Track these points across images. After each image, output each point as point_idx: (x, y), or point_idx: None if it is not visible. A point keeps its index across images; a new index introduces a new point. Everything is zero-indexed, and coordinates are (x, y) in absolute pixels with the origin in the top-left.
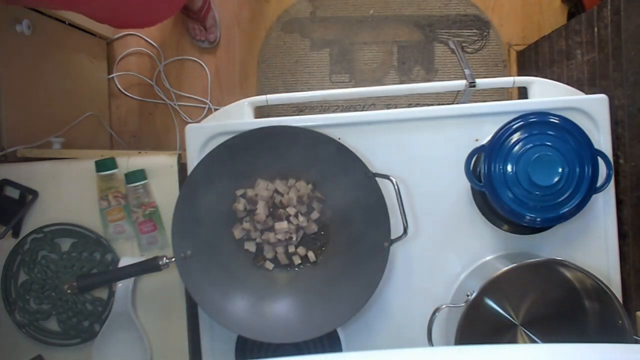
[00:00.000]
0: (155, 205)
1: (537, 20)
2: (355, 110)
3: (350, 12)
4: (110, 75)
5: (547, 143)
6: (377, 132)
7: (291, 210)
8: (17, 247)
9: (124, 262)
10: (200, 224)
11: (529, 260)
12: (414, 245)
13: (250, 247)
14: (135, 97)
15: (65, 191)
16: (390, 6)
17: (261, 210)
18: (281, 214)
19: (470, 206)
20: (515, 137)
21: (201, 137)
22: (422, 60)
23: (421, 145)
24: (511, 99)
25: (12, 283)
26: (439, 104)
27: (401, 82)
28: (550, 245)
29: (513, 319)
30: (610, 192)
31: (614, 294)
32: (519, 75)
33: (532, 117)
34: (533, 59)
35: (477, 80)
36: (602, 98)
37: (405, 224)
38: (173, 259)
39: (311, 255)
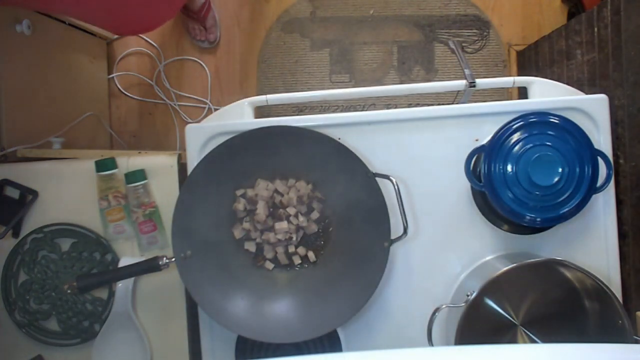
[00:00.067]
0: (155, 205)
1: (537, 20)
2: (355, 110)
3: (350, 12)
4: (110, 75)
5: (547, 143)
6: (377, 132)
7: (291, 210)
8: (17, 247)
9: (124, 262)
10: (201, 224)
11: (529, 260)
12: (414, 245)
13: (250, 247)
14: (135, 97)
15: (65, 191)
16: (390, 6)
17: (261, 210)
18: (281, 214)
19: (470, 206)
20: (515, 137)
21: (201, 137)
22: (422, 60)
23: (421, 145)
24: (511, 99)
25: (12, 283)
26: (439, 104)
27: (401, 82)
28: (550, 245)
29: (513, 319)
30: (610, 192)
31: (614, 294)
32: (519, 75)
33: (532, 117)
34: (533, 59)
35: (477, 80)
36: (602, 98)
37: (405, 224)
38: (173, 259)
39: (311, 255)
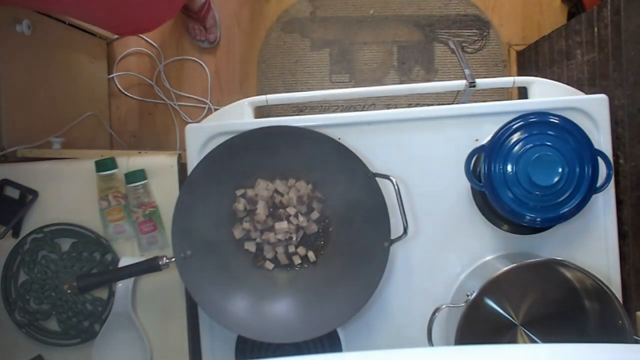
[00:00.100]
0: (155, 205)
1: (537, 20)
2: (355, 110)
3: (350, 12)
4: (110, 75)
5: (547, 143)
6: (377, 132)
7: (291, 210)
8: (17, 247)
9: (124, 262)
10: (200, 224)
11: (529, 260)
12: (414, 245)
13: (250, 247)
14: (135, 97)
15: (65, 191)
16: (390, 6)
17: (261, 210)
18: (281, 214)
19: (470, 206)
20: (515, 137)
21: (201, 137)
22: (422, 60)
23: (421, 145)
24: (511, 99)
25: (12, 283)
26: (439, 104)
27: (401, 82)
28: (550, 245)
29: (513, 319)
30: (610, 192)
31: (614, 294)
32: (519, 75)
33: (532, 117)
34: (533, 59)
35: (477, 80)
36: (602, 98)
37: (405, 224)
38: (173, 259)
39: (311, 255)
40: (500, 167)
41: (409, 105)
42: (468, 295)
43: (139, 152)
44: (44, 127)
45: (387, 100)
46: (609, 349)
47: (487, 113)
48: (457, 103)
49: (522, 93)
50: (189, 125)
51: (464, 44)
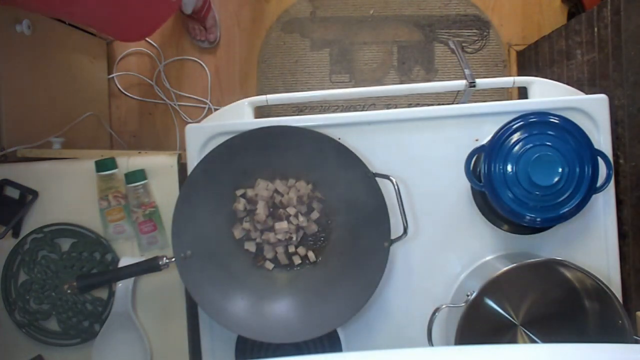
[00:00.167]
0: (155, 205)
1: (537, 20)
2: (355, 110)
3: (350, 12)
4: (110, 75)
5: (547, 143)
6: (377, 132)
7: (291, 210)
8: (17, 247)
9: (124, 262)
10: (200, 224)
11: (529, 260)
12: (414, 245)
13: (250, 247)
14: (135, 97)
15: (65, 191)
16: (390, 6)
17: (261, 210)
18: (281, 214)
19: (470, 206)
20: (515, 137)
21: (201, 137)
22: (422, 60)
23: (421, 145)
24: (511, 99)
25: (12, 283)
26: (439, 104)
27: (401, 82)
28: (550, 245)
29: (513, 319)
30: (610, 192)
31: (614, 294)
32: (519, 75)
33: (532, 117)
34: (533, 59)
35: (477, 80)
36: (602, 98)
37: (405, 224)
38: (173, 259)
39: (311, 255)
40: (500, 167)
41: (409, 105)
42: (468, 295)
43: (139, 152)
44: (44, 127)
45: (387, 100)
46: (609, 349)
47: (487, 113)
48: (457, 103)
49: (522, 93)
50: (189, 125)
51: (464, 44)
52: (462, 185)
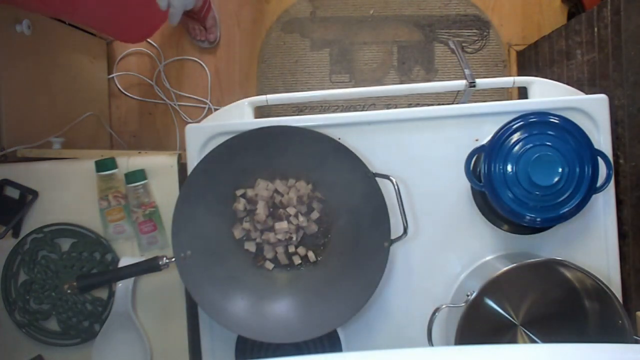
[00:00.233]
0: (155, 205)
1: (537, 20)
2: (355, 110)
3: (350, 12)
4: (110, 75)
5: (547, 143)
6: (377, 132)
7: (291, 210)
8: (17, 247)
9: (124, 262)
10: (200, 224)
11: (529, 260)
12: (414, 245)
13: (250, 247)
14: (135, 97)
15: (65, 191)
16: (390, 6)
17: (261, 210)
18: (281, 214)
19: (470, 206)
20: (515, 137)
21: (201, 137)
22: (422, 60)
23: (421, 145)
24: (511, 99)
25: (12, 283)
26: (439, 104)
27: (401, 82)
28: (550, 245)
29: (513, 319)
30: (610, 192)
31: (614, 294)
32: (519, 75)
33: (532, 117)
34: (533, 59)
35: (477, 80)
36: (602, 98)
37: (405, 224)
38: (173, 259)
39: (311, 255)
40: (500, 167)
41: (409, 105)
42: (468, 295)
43: (139, 152)
44: (44, 127)
45: (387, 100)
46: (609, 349)
47: (487, 113)
48: (457, 103)
49: (522, 93)
50: (189, 125)
51: (464, 44)
52: (462, 185)
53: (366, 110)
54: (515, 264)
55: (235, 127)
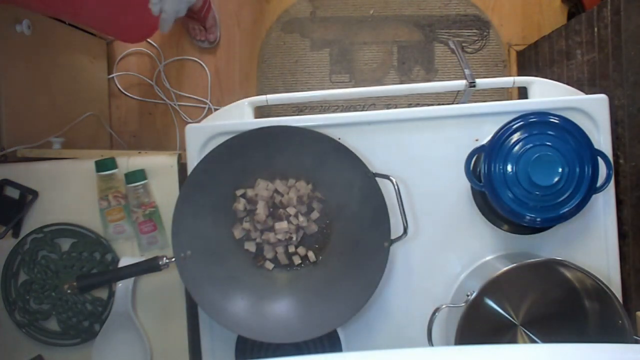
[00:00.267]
0: (155, 205)
1: (537, 20)
2: (355, 110)
3: (350, 12)
4: (110, 75)
5: (547, 143)
6: (377, 132)
7: (291, 210)
8: (17, 247)
9: (124, 262)
10: (200, 224)
11: (529, 260)
12: (414, 245)
13: (250, 247)
14: (135, 97)
15: (65, 191)
16: (390, 6)
17: (261, 210)
18: (281, 214)
19: (470, 206)
20: (515, 137)
21: (201, 137)
22: (422, 60)
23: (421, 145)
24: (511, 99)
25: (12, 283)
26: (439, 104)
27: (401, 82)
28: (550, 245)
29: (513, 319)
30: (610, 192)
31: (614, 294)
32: (519, 75)
33: (532, 117)
34: (533, 59)
35: (477, 80)
36: (602, 98)
37: (405, 224)
38: (173, 259)
39: (311, 255)
40: (500, 167)
41: (409, 105)
42: (468, 295)
43: (139, 152)
44: (44, 127)
45: (387, 100)
46: (609, 349)
47: (487, 113)
48: (457, 103)
49: (522, 93)
50: (189, 125)
51: (464, 44)
52: (462, 185)
53: (366, 110)
54: (515, 264)
55: (235, 127)
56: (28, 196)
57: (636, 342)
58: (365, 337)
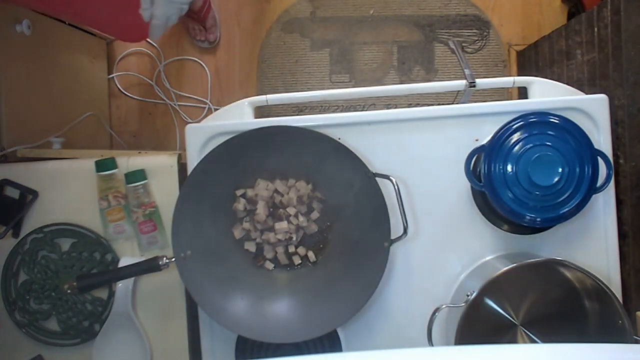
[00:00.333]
0: (155, 205)
1: (537, 20)
2: (355, 110)
3: (350, 12)
4: (110, 75)
5: (547, 143)
6: (377, 132)
7: (291, 210)
8: (17, 247)
9: (124, 262)
10: (200, 224)
11: (529, 260)
12: (414, 245)
13: (250, 247)
14: (135, 97)
15: (65, 191)
16: (390, 6)
17: (261, 210)
18: (281, 214)
19: (470, 206)
20: (515, 137)
21: (201, 137)
22: (422, 60)
23: (421, 145)
24: (511, 99)
25: (12, 283)
26: (439, 104)
27: (401, 82)
28: (550, 245)
29: (513, 319)
30: (610, 192)
31: (614, 294)
32: (519, 75)
33: (532, 117)
34: (533, 59)
35: (477, 80)
36: (602, 98)
37: (405, 224)
38: (173, 259)
39: (311, 255)
40: (500, 167)
41: (409, 105)
42: (468, 295)
43: (139, 152)
44: (44, 127)
45: (387, 100)
46: (609, 349)
47: (487, 113)
48: (457, 103)
49: (522, 93)
50: (189, 125)
51: (464, 44)
52: (462, 185)
53: (366, 110)
54: (515, 264)
55: (235, 127)
56: (28, 196)
57: (636, 342)
58: (365, 337)
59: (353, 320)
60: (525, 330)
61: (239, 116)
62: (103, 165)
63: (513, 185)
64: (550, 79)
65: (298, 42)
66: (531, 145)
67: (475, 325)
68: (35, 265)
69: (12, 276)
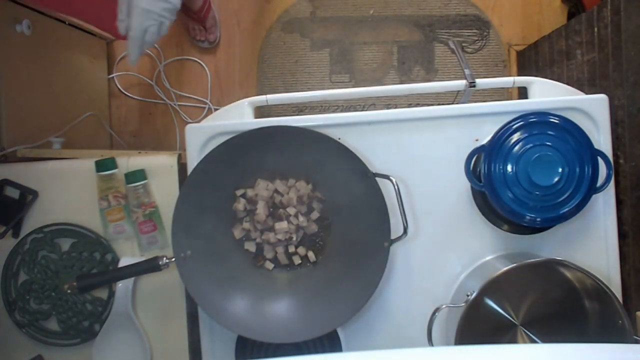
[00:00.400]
0: (155, 205)
1: (537, 20)
2: (355, 110)
3: (350, 12)
4: (110, 75)
5: (547, 143)
6: (377, 132)
7: (291, 210)
8: (17, 247)
9: (124, 262)
10: (200, 225)
11: (529, 260)
12: (414, 245)
13: (250, 247)
14: (135, 97)
15: (65, 191)
16: (390, 6)
17: (261, 210)
18: (281, 214)
19: (470, 206)
20: (515, 137)
21: (201, 137)
22: (422, 60)
23: (421, 145)
24: (511, 99)
25: (12, 283)
26: (439, 104)
27: (401, 82)
28: (550, 245)
29: (513, 319)
30: (610, 192)
31: (614, 294)
32: (519, 75)
33: (532, 117)
34: (533, 59)
35: (477, 80)
36: (602, 98)
37: (405, 224)
38: (173, 259)
39: (311, 255)
40: (500, 167)
41: (409, 105)
42: (468, 295)
43: (139, 152)
44: (44, 127)
45: (387, 100)
46: (609, 349)
47: (487, 113)
48: (457, 103)
49: (522, 93)
50: (189, 125)
51: (464, 44)
52: (462, 185)
53: (366, 110)
54: (515, 264)
55: (235, 127)
56: (28, 196)
57: (636, 342)
58: (365, 337)
59: (353, 320)
60: (525, 330)
61: (239, 116)
62: (103, 165)
63: (513, 185)
64: (550, 79)
65: (298, 42)
66: (531, 145)
67: (475, 325)
68: (35, 265)
69: (12, 276)
